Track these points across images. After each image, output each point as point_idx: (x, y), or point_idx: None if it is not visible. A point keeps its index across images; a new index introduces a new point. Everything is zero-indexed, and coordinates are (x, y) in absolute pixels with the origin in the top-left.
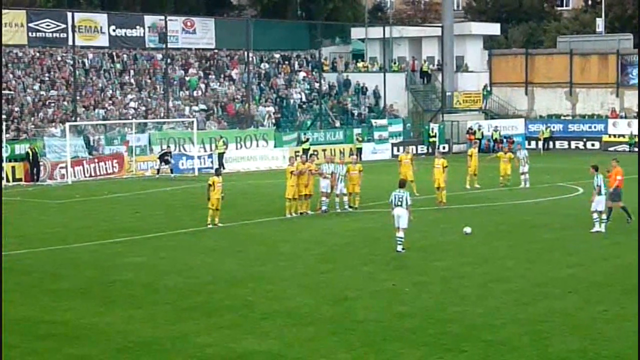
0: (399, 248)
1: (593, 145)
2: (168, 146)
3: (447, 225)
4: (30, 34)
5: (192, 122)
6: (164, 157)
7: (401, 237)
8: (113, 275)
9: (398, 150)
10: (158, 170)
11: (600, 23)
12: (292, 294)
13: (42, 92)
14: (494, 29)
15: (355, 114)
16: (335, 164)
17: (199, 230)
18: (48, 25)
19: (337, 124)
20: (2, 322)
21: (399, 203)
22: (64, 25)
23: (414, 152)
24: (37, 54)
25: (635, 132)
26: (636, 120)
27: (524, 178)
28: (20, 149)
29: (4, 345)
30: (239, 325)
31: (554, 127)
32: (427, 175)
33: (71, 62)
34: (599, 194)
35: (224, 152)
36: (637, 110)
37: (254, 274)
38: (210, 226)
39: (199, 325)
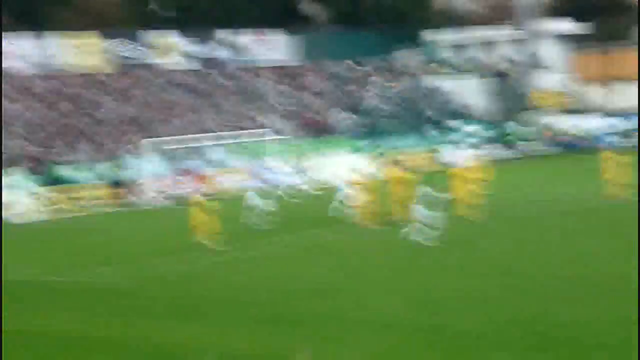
0: None
1: None
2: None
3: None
4: (107, 55)
5: (270, 133)
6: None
7: None
8: (204, 291)
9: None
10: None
11: None
12: (384, 302)
13: (121, 112)
14: (574, 26)
15: (431, 118)
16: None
17: (285, 240)
18: (124, 46)
19: (420, 129)
20: (1, 332)
21: None
22: (140, 45)
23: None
24: (115, 75)
25: None
26: None
27: None
28: (103, 168)
29: None
30: (332, 337)
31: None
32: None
33: (149, 80)
34: None
35: (306, 163)
36: None
37: (345, 283)
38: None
39: (293, 339)
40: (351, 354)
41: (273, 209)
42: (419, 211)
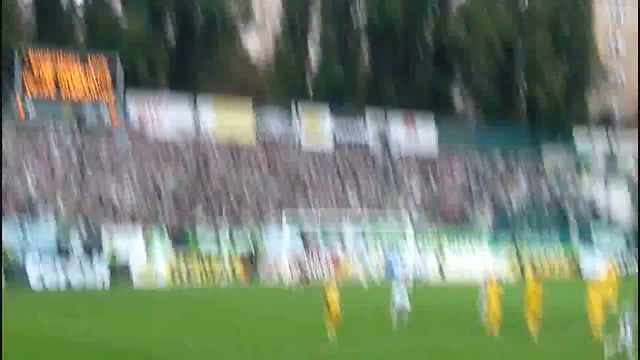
0: None
1: None
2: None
3: None
4: (256, 127)
5: (408, 223)
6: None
7: None
8: None
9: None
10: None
11: None
12: None
13: (263, 187)
14: None
15: (575, 223)
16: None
17: (406, 339)
18: (274, 122)
19: (561, 232)
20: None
21: None
22: (289, 123)
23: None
24: (261, 147)
25: None
26: None
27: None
28: (241, 245)
29: None
30: None
31: None
32: None
33: (295, 160)
34: None
35: (441, 256)
36: None
37: None
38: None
39: None
40: None
41: (407, 305)
42: (627, 331)
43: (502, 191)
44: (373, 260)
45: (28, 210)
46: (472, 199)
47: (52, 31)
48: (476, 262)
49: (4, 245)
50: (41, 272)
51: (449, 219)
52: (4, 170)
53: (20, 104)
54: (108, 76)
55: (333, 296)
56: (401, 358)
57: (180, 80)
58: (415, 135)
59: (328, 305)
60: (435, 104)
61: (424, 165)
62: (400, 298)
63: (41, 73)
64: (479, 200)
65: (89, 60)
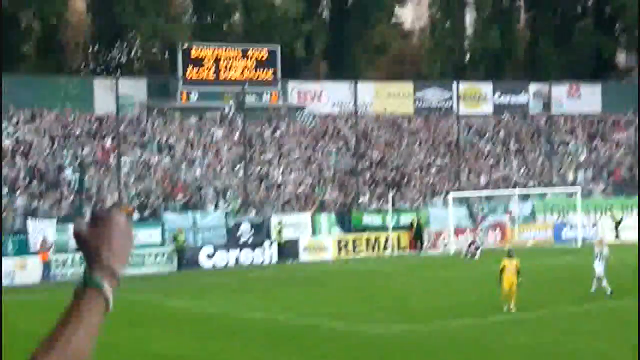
0: None
1: None
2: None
3: None
4: (417, 103)
5: (576, 191)
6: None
7: None
8: (495, 359)
9: None
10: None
11: None
12: None
13: (427, 161)
14: None
15: None
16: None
17: (577, 310)
18: (434, 95)
19: None
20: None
21: None
22: (449, 95)
23: None
24: (422, 124)
25: None
26: None
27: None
28: (405, 218)
29: None
30: None
31: None
32: None
33: (455, 130)
34: None
35: (620, 221)
36: None
37: None
38: (505, 310)
39: None
40: None
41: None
42: None
43: None
44: (542, 227)
45: (196, 195)
46: None
47: (210, 20)
48: None
49: (176, 228)
50: (212, 256)
51: (618, 181)
52: (172, 160)
53: (183, 91)
54: (268, 66)
55: (508, 267)
56: (581, 321)
57: (337, 58)
58: (578, 97)
59: (502, 278)
60: (598, 63)
61: (589, 127)
62: (598, 265)
63: (202, 65)
64: None
65: (250, 54)
